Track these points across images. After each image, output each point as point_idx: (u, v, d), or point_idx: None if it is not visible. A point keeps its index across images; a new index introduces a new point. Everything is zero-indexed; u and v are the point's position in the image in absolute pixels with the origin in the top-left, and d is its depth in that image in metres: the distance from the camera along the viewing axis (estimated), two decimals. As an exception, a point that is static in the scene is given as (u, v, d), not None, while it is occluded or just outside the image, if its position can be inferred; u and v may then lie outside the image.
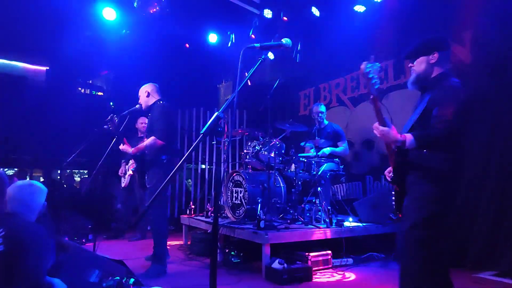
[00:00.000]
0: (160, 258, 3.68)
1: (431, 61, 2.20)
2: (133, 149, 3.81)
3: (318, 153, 4.73)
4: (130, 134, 4.78)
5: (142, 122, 5.54)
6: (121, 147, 3.90)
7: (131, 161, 5.51)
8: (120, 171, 5.80)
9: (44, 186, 2.50)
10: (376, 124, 2.07)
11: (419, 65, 2.24)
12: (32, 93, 7.26)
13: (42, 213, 2.36)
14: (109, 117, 3.80)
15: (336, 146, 5.02)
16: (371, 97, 2.07)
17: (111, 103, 7.37)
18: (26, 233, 2.08)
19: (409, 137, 1.97)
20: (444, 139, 1.96)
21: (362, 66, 2.07)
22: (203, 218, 4.89)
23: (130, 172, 5.58)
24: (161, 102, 3.89)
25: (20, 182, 2.40)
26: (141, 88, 4.01)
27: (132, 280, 2.80)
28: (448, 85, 2.11)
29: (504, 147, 3.81)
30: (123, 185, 5.71)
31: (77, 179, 8.17)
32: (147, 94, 3.93)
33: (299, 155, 4.60)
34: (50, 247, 2.24)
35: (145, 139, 3.86)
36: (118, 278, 2.73)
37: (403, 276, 2.07)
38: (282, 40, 1.89)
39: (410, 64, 2.32)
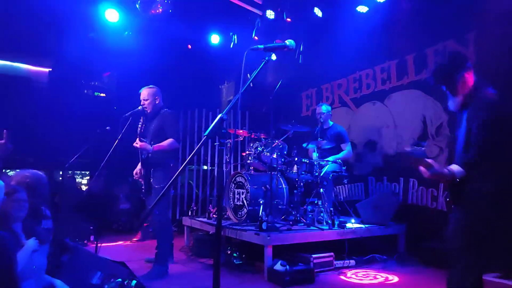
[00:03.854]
0: (162, 260, 3.68)
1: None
2: (154, 146, 3.71)
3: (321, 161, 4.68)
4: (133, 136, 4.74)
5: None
6: (137, 144, 3.68)
7: None
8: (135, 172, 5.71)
9: (47, 186, 2.51)
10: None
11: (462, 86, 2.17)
12: (35, 94, 7.28)
13: None
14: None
15: (339, 148, 5.00)
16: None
17: (115, 107, 7.39)
18: None
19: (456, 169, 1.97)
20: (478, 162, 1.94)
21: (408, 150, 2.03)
22: (205, 220, 4.88)
23: None
24: (166, 110, 3.97)
25: None
26: (147, 90, 3.95)
27: (134, 282, 2.80)
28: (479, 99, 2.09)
29: None
30: None
31: (80, 180, 8.18)
32: (155, 99, 3.94)
33: (302, 160, 4.56)
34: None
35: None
36: (120, 280, 2.73)
37: None
38: (286, 41, 1.88)
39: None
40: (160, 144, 3.75)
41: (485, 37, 4.09)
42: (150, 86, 4.00)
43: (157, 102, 3.95)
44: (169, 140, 3.78)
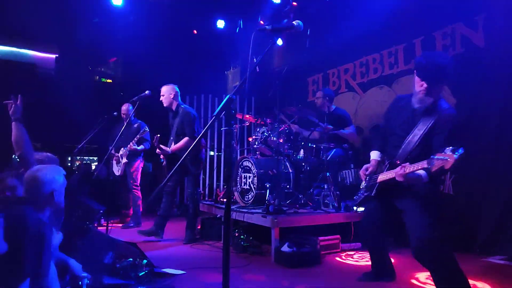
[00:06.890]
0: (192, 226, 4.52)
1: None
2: (172, 148, 4.46)
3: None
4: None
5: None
6: (160, 149, 4.44)
7: (122, 149, 5.53)
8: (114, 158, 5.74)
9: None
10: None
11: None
12: (42, 80, 7.31)
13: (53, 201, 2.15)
14: (154, 138, 4.48)
15: (344, 130, 5.01)
16: None
17: (121, 93, 7.40)
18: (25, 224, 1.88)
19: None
20: None
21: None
22: (212, 203, 4.95)
23: (125, 160, 5.57)
24: (182, 106, 4.58)
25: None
26: (164, 87, 4.53)
27: (144, 261, 2.87)
28: (448, 113, 2.40)
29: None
30: (118, 173, 5.67)
31: (91, 165, 8.27)
32: (172, 96, 4.54)
33: (308, 144, 4.58)
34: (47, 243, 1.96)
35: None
36: (131, 259, 2.81)
37: None
38: (294, 22, 1.88)
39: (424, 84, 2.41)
40: (177, 146, 4.45)
41: (495, 20, 4.03)
42: (169, 84, 4.59)
43: (171, 97, 4.50)
44: (185, 139, 4.41)
